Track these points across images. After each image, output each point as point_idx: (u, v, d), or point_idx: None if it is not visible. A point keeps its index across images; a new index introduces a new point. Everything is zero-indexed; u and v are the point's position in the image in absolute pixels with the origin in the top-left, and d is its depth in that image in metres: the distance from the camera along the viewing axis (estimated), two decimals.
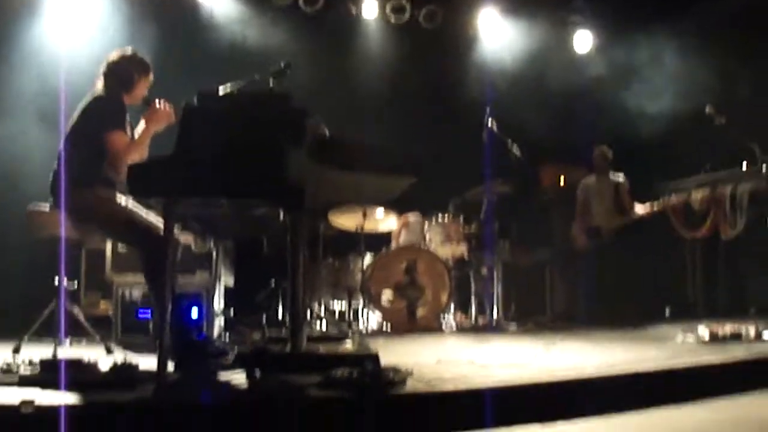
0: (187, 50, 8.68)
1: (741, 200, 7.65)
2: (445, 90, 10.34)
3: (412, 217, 8.84)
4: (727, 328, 5.83)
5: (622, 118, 9.70)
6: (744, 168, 7.75)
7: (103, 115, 4.98)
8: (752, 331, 5.74)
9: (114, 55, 5.28)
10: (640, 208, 8.80)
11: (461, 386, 3.58)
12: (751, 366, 4.57)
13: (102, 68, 5.25)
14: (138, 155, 4.98)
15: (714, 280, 8.87)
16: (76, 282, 6.43)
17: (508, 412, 3.45)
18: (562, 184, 9.82)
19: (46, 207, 5.13)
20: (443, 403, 3.46)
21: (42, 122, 7.75)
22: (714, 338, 5.64)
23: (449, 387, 3.56)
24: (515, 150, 8.33)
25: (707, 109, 7.65)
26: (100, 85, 5.20)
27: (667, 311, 9.05)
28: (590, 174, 9.43)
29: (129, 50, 5.34)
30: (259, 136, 3.91)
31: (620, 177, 9.22)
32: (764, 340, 5.62)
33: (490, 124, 8.32)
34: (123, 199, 4.92)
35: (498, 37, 10.71)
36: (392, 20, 10.41)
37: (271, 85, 4.88)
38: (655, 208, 8.55)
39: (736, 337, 5.67)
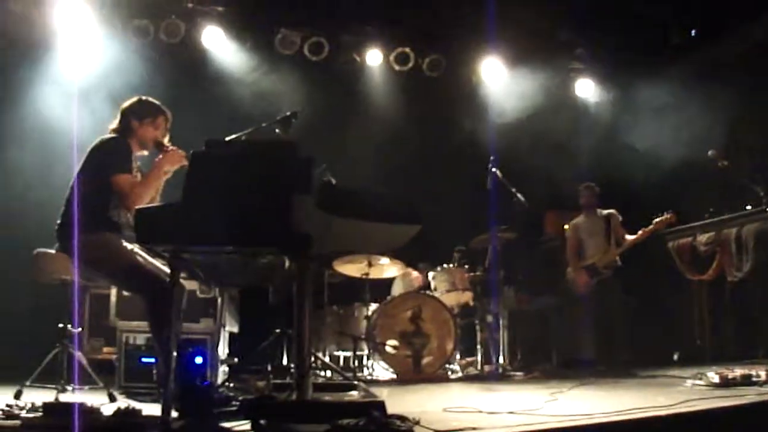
0: (196, 100, 8.71)
1: (746, 242, 7.64)
2: (449, 137, 10.39)
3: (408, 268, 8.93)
4: (737, 372, 5.77)
5: (624, 164, 9.70)
6: (748, 210, 7.74)
7: (109, 158, 5.01)
8: (763, 374, 5.68)
9: (126, 102, 5.33)
10: (631, 237, 8.65)
11: None
12: (764, 409, 4.52)
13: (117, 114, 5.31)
14: (147, 196, 5.00)
15: (721, 323, 8.81)
16: (80, 327, 6.42)
17: None
18: (566, 229, 9.79)
19: (52, 251, 5.12)
20: None
21: (52, 165, 7.76)
22: (724, 382, 5.57)
23: None
24: (519, 197, 8.33)
25: (710, 153, 7.65)
26: (109, 129, 5.25)
27: (676, 356, 8.98)
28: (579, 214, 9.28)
29: (142, 98, 5.38)
30: (265, 184, 3.91)
31: (610, 210, 8.99)
32: None
33: (494, 171, 8.34)
34: (129, 246, 4.92)
35: (501, 85, 10.77)
36: (396, 68, 10.49)
37: (277, 132, 4.91)
38: (647, 231, 8.43)
39: (746, 380, 5.60)
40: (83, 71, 8.59)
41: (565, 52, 10.87)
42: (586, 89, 11.24)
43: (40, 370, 5.45)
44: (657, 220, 8.26)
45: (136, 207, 4.23)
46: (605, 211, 8.96)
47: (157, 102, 5.41)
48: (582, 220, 9.14)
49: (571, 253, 9.09)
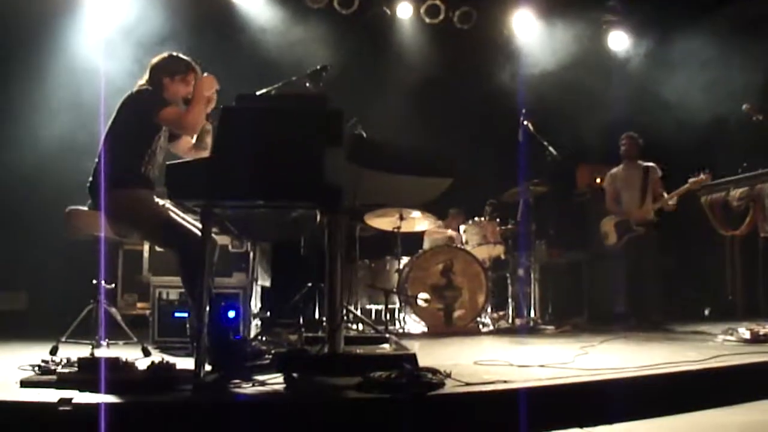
0: (224, 54, 8.64)
1: None
2: (481, 90, 10.29)
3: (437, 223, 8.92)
4: None
5: (657, 118, 9.56)
6: None
7: (145, 105, 4.96)
8: None
9: (155, 58, 5.29)
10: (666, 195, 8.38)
11: (500, 387, 3.55)
12: None
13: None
14: (198, 121, 5.00)
15: (753, 279, 8.72)
16: (113, 283, 6.47)
17: (547, 413, 3.42)
18: (598, 183, 9.71)
19: (84, 208, 5.14)
20: (482, 404, 3.44)
21: (82, 122, 7.76)
22: (755, 338, 5.54)
23: (488, 388, 3.52)
24: (551, 149, 8.27)
25: (744, 107, 7.52)
26: (137, 85, 5.21)
27: (707, 311, 8.92)
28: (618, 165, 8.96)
29: (173, 53, 5.33)
30: (296, 137, 3.90)
31: (650, 163, 8.67)
32: None
33: (525, 124, 8.28)
34: (161, 201, 4.94)
35: (532, 38, 10.66)
36: (426, 20, 10.40)
37: (307, 86, 4.89)
38: (681, 190, 8.18)
39: None
40: (112, 24, 8.58)
41: (597, 4, 10.72)
42: (619, 42, 11.09)
43: (75, 326, 5.50)
44: (692, 179, 8.09)
45: (168, 165, 4.21)
46: (645, 164, 8.67)
47: (187, 57, 5.36)
48: (620, 171, 8.85)
49: (610, 202, 8.82)
